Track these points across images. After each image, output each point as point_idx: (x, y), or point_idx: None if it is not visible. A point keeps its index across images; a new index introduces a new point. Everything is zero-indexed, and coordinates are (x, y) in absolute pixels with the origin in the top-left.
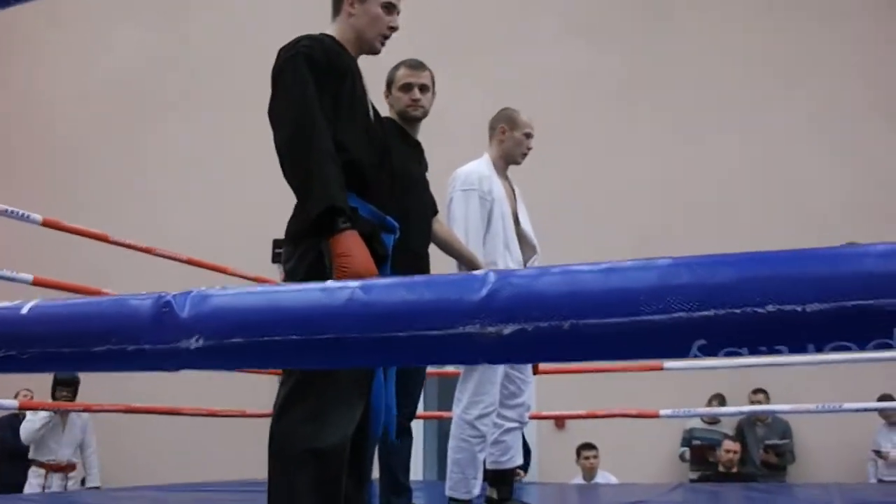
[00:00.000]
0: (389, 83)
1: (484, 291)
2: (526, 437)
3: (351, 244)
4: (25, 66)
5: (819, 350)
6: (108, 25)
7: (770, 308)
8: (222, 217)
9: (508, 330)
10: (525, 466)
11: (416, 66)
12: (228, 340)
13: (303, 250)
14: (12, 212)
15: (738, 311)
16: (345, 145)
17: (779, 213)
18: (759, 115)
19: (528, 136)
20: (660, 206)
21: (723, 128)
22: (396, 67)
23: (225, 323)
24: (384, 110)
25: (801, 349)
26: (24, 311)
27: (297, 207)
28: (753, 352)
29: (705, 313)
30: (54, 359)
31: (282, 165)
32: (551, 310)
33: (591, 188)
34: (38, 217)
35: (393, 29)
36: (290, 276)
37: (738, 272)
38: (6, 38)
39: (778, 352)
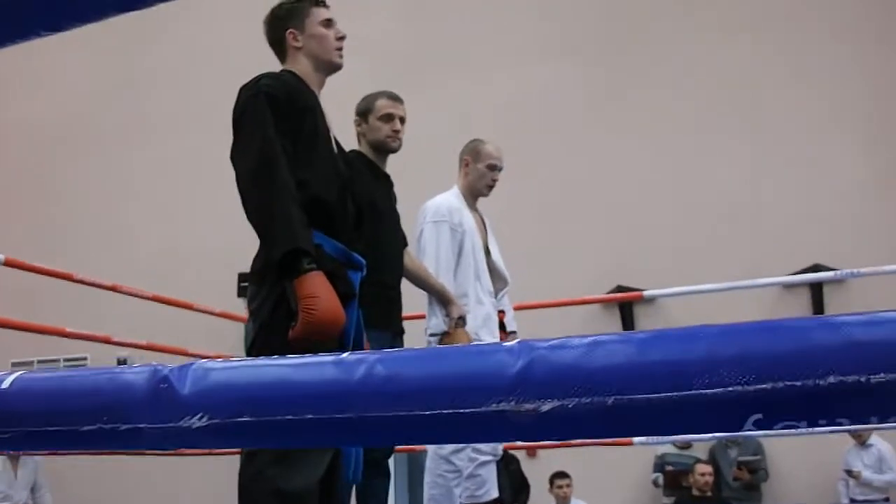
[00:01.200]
0: (365, 112)
1: (519, 364)
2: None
3: (316, 285)
4: None
5: (883, 422)
6: (62, 51)
7: (832, 379)
8: (186, 251)
9: (546, 407)
10: (525, 500)
11: (397, 98)
12: (236, 419)
13: (268, 289)
14: None
15: (798, 383)
16: (308, 182)
17: (767, 232)
18: (743, 131)
19: (493, 167)
20: (640, 228)
21: (704, 146)
22: (375, 97)
23: (231, 400)
24: (348, 142)
25: (864, 421)
26: (6, 384)
27: (261, 246)
28: (812, 425)
29: (762, 386)
30: (39, 439)
31: (244, 205)
32: (594, 384)
33: (570, 210)
34: (0, 257)
35: (341, 39)
36: (254, 315)
37: (797, 341)
38: None
39: (839, 424)
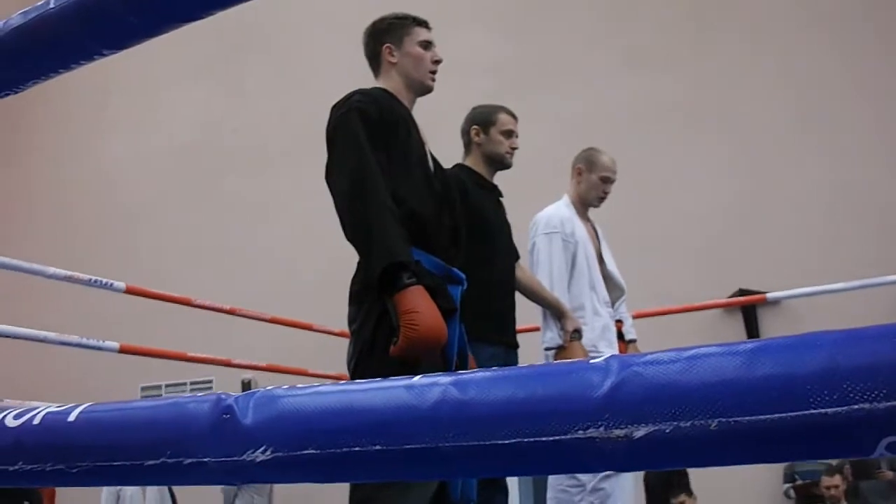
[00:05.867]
0: (487, 123)
1: (607, 384)
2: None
3: (418, 300)
4: (85, 131)
5: None
6: (166, 87)
7: None
8: (300, 274)
9: (640, 432)
10: None
11: (514, 115)
12: (301, 452)
13: (367, 309)
14: (96, 281)
15: None
16: (404, 197)
17: (860, 237)
18: (833, 135)
19: (606, 180)
20: (761, 228)
21: (794, 151)
22: (496, 109)
23: (296, 431)
24: (448, 152)
25: None
26: (72, 417)
27: (359, 265)
28: None
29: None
30: (104, 474)
31: (342, 223)
32: (694, 405)
33: (687, 213)
34: (122, 285)
35: (437, 62)
36: (356, 337)
37: None
38: (63, 103)
39: None
